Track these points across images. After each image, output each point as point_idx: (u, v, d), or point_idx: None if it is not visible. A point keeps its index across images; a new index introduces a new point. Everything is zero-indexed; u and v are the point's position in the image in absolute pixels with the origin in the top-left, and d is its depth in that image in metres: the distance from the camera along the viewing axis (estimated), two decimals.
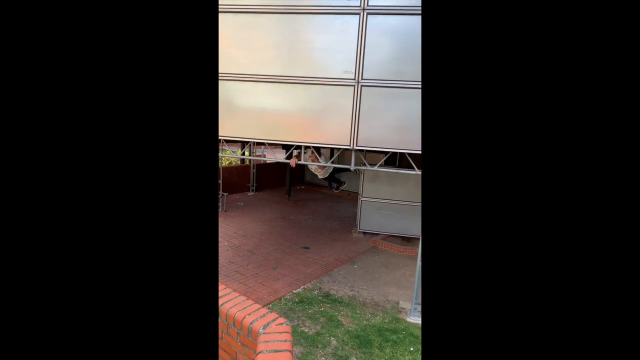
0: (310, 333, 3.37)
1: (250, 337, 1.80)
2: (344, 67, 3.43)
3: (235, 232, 6.24)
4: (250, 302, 1.99)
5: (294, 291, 4.23)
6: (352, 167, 4.05)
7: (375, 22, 3.26)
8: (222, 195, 7.58)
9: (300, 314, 3.71)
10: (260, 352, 1.57)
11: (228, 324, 1.91)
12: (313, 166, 5.08)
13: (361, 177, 6.42)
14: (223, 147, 7.55)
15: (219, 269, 4.68)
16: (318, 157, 4.67)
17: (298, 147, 4.27)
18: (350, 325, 3.57)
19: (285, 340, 1.67)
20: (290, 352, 1.60)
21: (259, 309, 1.93)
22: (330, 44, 3.42)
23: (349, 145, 3.61)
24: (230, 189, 8.55)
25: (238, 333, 1.87)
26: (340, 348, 3.17)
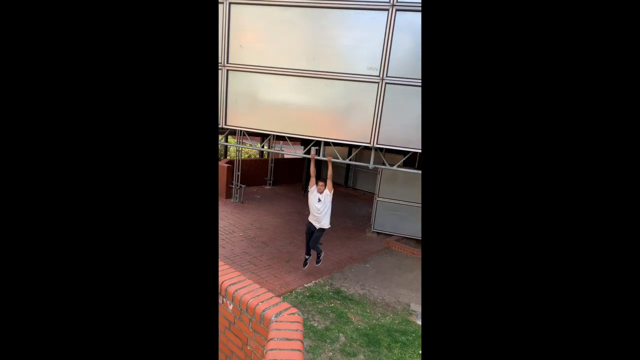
0: (320, 328, 3.39)
1: (262, 324, 1.82)
2: (369, 63, 3.41)
3: (250, 224, 6.33)
4: (263, 290, 2.02)
5: (305, 285, 4.25)
6: (371, 165, 4.02)
7: (403, 19, 3.23)
8: (240, 187, 7.70)
9: (310, 308, 3.73)
10: (271, 339, 1.58)
11: (241, 309, 1.94)
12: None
13: (378, 177, 6.37)
14: (244, 140, 7.65)
15: (234, 259, 4.76)
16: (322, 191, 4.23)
17: (317, 144, 4.27)
18: (360, 323, 3.56)
19: (296, 330, 1.68)
20: (301, 341, 1.61)
21: (272, 297, 1.95)
22: (357, 40, 3.41)
23: (369, 143, 3.59)
24: (249, 181, 8.66)
25: (250, 320, 1.89)
26: (349, 345, 3.17)
